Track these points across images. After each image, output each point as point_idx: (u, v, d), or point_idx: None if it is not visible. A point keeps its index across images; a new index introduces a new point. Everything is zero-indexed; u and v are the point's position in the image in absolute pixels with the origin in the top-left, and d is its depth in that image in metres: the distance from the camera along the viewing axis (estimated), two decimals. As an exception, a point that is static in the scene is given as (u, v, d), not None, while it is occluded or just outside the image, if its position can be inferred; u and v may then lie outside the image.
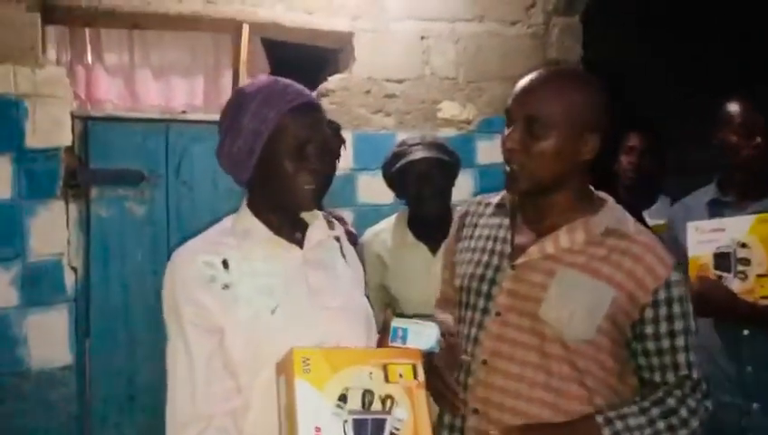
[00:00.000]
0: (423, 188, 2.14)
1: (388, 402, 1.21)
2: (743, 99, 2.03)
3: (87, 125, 2.51)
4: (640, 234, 1.36)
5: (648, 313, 1.30)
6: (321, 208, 2.29)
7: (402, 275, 2.20)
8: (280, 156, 1.28)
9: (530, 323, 1.34)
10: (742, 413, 1.93)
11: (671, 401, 1.29)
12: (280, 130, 1.27)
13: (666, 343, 1.31)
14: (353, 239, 2.27)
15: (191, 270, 1.27)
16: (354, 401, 1.18)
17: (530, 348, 1.33)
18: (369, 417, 1.18)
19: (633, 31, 3.99)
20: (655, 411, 1.28)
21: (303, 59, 3.04)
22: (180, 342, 1.26)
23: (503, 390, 1.34)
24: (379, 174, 2.85)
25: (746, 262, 1.86)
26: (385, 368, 1.23)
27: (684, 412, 1.29)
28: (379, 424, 1.19)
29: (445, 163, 2.15)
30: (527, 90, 1.34)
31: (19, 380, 2.39)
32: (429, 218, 2.14)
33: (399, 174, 2.17)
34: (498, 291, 1.39)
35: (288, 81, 1.34)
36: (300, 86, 1.34)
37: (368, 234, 2.34)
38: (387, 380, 1.22)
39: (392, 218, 2.32)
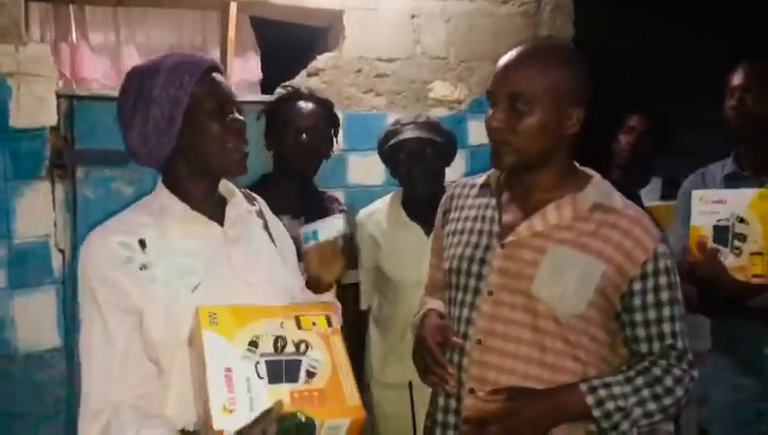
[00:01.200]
0: (414, 167, 2.13)
1: (303, 346, 1.21)
2: (738, 67, 2.02)
3: (72, 104, 2.46)
4: (627, 208, 1.37)
5: (636, 284, 1.31)
6: (314, 188, 2.31)
7: (396, 255, 2.19)
8: (204, 119, 1.28)
9: (523, 300, 1.34)
10: (759, 397, 1.94)
11: (656, 370, 1.31)
12: (199, 94, 1.27)
13: (652, 314, 1.32)
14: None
15: (106, 251, 1.25)
16: (266, 346, 1.19)
17: (523, 325, 1.34)
18: (283, 358, 1.19)
19: (623, 12, 3.97)
20: (640, 380, 1.30)
21: (292, 38, 3.00)
22: (98, 323, 1.24)
23: (498, 368, 1.34)
24: (370, 155, 2.84)
25: (743, 238, 1.84)
26: (297, 318, 1.25)
27: (669, 381, 1.30)
28: (294, 365, 1.19)
29: (436, 143, 2.13)
30: (509, 67, 1.33)
31: (6, 362, 2.36)
32: (422, 199, 2.13)
33: (391, 153, 2.15)
34: (489, 270, 1.39)
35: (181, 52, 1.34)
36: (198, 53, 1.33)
37: (362, 214, 2.32)
38: (299, 328, 1.23)
39: (387, 198, 2.30)
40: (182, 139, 1.28)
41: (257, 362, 1.16)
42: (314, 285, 1.46)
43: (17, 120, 2.36)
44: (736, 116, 2.00)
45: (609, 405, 1.27)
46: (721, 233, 1.87)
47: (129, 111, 1.29)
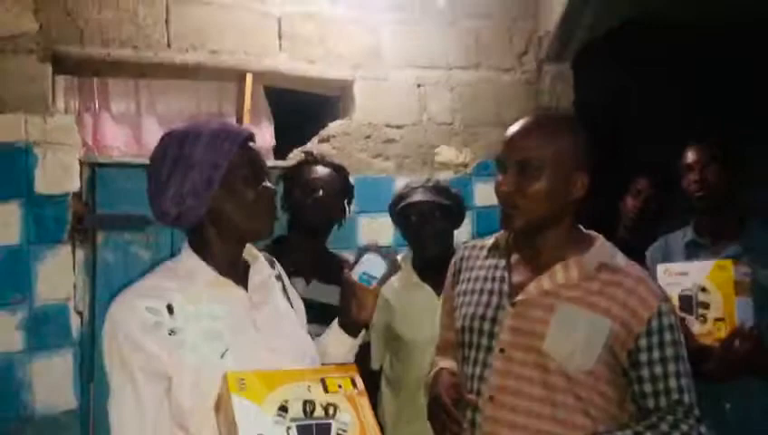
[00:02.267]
0: (423, 229, 2.21)
1: (331, 409, 1.23)
2: (693, 143, 2.13)
3: (94, 171, 2.57)
4: (630, 267, 1.44)
5: (642, 341, 1.36)
6: (327, 250, 2.38)
7: (408, 315, 2.24)
8: (240, 185, 1.32)
9: (534, 357, 1.39)
10: None
11: (664, 426, 1.34)
12: (237, 162, 1.32)
13: (658, 370, 1.36)
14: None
15: (135, 317, 1.25)
16: (295, 411, 1.20)
17: (534, 382, 1.38)
18: (313, 422, 1.20)
19: (622, 75, 4.12)
20: None
21: (305, 105, 3.13)
22: (129, 390, 1.24)
23: (512, 425, 1.38)
24: (380, 217, 2.93)
25: (706, 306, 1.93)
26: (323, 381, 1.27)
27: None
28: (324, 428, 1.21)
29: (445, 206, 2.21)
30: (518, 136, 1.43)
31: (23, 425, 2.39)
32: (431, 260, 2.20)
33: (401, 215, 2.23)
34: (500, 329, 1.44)
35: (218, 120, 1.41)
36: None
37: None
38: (326, 391, 1.25)
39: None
40: (216, 202, 1.32)
41: (288, 428, 1.18)
42: (353, 327, 1.48)
43: (42, 186, 2.47)
44: (698, 189, 2.12)
45: None
46: (686, 302, 1.97)
47: (167, 172, 1.30)
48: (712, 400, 1.99)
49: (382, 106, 3.02)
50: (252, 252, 1.45)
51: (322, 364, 1.43)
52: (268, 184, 1.37)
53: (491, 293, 1.51)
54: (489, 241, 1.61)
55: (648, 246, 2.97)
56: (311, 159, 2.35)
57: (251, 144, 1.37)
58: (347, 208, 2.36)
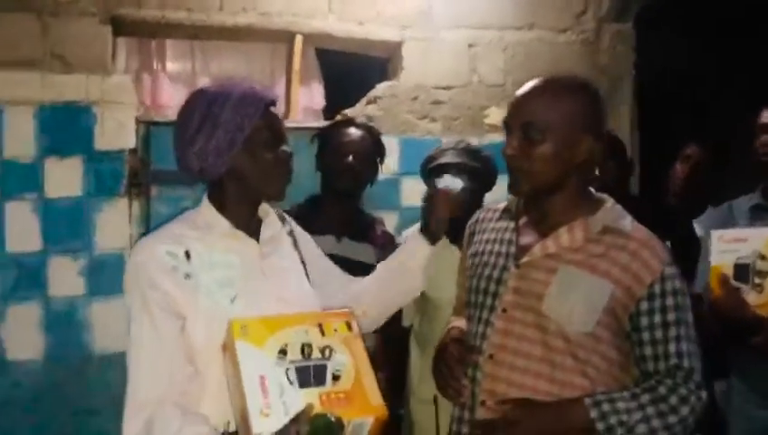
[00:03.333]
0: None
1: (327, 351, 1.31)
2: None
3: (150, 129, 2.71)
4: (636, 231, 1.41)
5: (644, 305, 1.35)
6: (359, 209, 2.43)
7: (435, 275, 2.26)
8: (260, 148, 1.39)
9: (534, 318, 1.40)
10: None
11: (662, 389, 1.33)
12: (260, 125, 1.38)
13: (659, 334, 1.35)
14: (389, 240, 2.37)
15: (155, 259, 1.34)
16: (294, 353, 1.28)
17: (534, 342, 1.40)
18: (311, 364, 1.28)
19: (687, 38, 3.91)
20: (645, 397, 1.32)
21: (354, 67, 3.16)
22: (147, 323, 1.32)
23: (508, 382, 1.40)
24: (423, 178, 2.93)
25: (764, 275, 1.84)
26: (320, 325, 1.34)
27: (674, 400, 1.32)
28: (321, 369, 1.28)
29: (472, 168, 2.21)
30: (522, 99, 1.42)
31: (84, 362, 2.60)
32: (457, 221, 2.21)
33: (429, 176, 2.25)
34: (504, 289, 1.46)
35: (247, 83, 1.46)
36: (262, 86, 1.46)
37: (404, 234, 2.42)
38: (323, 334, 1.33)
39: None
40: (236, 162, 1.39)
41: (287, 369, 1.26)
42: (431, 234, 1.67)
43: (101, 143, 2.63)
44: (765, 153, 2.01)
45: (613, 419, 1.30)
46: (742, 271, 1.88)
47: (193, 128, 1.37)
48: (762, 374, 1.94)
49: (431, 67, 3.01)
50: (264, 208, 1.53)
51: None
52: (286, 148, 1.44)
53: (498, 254, 1.52)
54: (502, 205, 1.61)
55: (696, 215, 2.88)
56: (343, 121, 2.38)
57: (273, 109, 1.43)
58: (379, 168, 2.39)
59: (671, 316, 1.35)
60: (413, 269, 1.69)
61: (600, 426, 1.31)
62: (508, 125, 1.44)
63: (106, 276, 2.63)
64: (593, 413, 1.31)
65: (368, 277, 1.72)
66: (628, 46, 3.25)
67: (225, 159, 1.37)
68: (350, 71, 3.20)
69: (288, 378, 1.26)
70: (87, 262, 2.61)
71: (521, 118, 1.40)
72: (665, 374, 1.35)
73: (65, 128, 2.59)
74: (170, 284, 1.34)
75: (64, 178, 2.59)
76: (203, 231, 1.42)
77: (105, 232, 2.63)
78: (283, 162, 1.43)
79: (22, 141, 2.57)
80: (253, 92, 1.41)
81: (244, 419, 1.23)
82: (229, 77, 2.95)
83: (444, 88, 3.04)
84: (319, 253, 1.68)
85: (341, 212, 2.29)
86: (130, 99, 2.67)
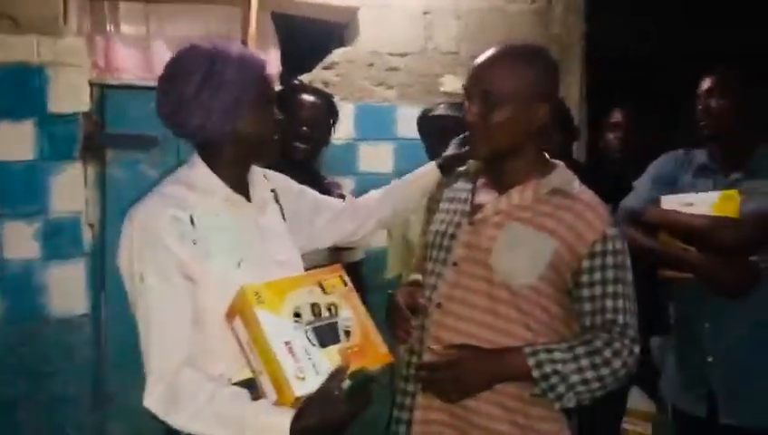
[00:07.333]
0: (440, 143, 2.30)
1: (333, 308, 1.39)
2: (713, 73, 2.12)
3: (104, 92, 2.69)
4: (583, 193, 1.50)
5: (585, 263, 1.44)
6: (315, 173, 2.48)
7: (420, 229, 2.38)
8: (262, 109, 1.42)
9: (482, 271, 1.49)
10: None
11: (597, 342, 1.42)
12: (262, 85, 1.41)
13: (597, 290, 1.44)
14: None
15: (165, 223, 1.32)
16: (307, 315, 1.35)
17: (480, 293, 1.48)
18: (324, 323, 1.36)
19: (636, 8, 4.02)
20: (580, 349, 1.41)
21: (310, 32, 3.17)
22: (163, 286, 1.32)
23: (455, 330, 1.49)
24: (380, 144, 3.00)
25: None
26: (320, 284, 1.41)
27: (607, 353, 1.41)
28: (333, 326, 1.36)
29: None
30: (481, 67, 1.48)
31: (40, 326, 2.61)
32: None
33: (423, 129, 2.45)
34: (457, 244, 1.54)
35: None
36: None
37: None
38: (324, 292, 1.40)
39: None
40: (238, 123, 1.38)
41: (306, 331, 1.32)
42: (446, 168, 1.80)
43: (54, 106, 2.60)
44: (703, 117, 2.12)
45: (548, 368, 1.40)
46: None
47: (194, 88, 1.33)
48: (697, 321, 2.07)
49: (386, 34, 3.05)
50: (252, 168, 1.55)
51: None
52: (277, 111, 1.49)
53: (455, 212, 1.60)
54: (463, 168, 1.69)
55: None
56: (296, 87, 2.42)
57: (270, 73, 1.46)
58: (332, 131, 2.45)
59: (610, 274, 1.44)
60: (419, 186, 1.83)
61: (535, 373, 1.40)
62: (468, 92, 1.50)
63: (62, 240, 2.62)
64: (530, 361, 1.40)
65: (372, 191, 1.88)
66: (578, 16, 3.34)
67: (228, 120, 1.37)
68: (307, 36, 3.21)
69: (309, 339, 1.31)
70: (42, 226, 2.60)
71: (480, 85, 1.46)
72: (601, 329, 1.44)
73: (17, 90, 2.56)
74: (181, 249, 1.33)
75: (17, 142, 2.56)
76: (203, 195, 1.41)
77: (60, 196, 2.62)
78: (278, 123, 1.48)
79: (-28, 104, 2.52)
80: (251, 54, 1.44)
81: (278, 384, 1.26)
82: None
83: (399, 55, 3.08)
84: (305, 193, 1.73)
85: (298, 176, 2.32)
86: (83, 61, 2.64)
